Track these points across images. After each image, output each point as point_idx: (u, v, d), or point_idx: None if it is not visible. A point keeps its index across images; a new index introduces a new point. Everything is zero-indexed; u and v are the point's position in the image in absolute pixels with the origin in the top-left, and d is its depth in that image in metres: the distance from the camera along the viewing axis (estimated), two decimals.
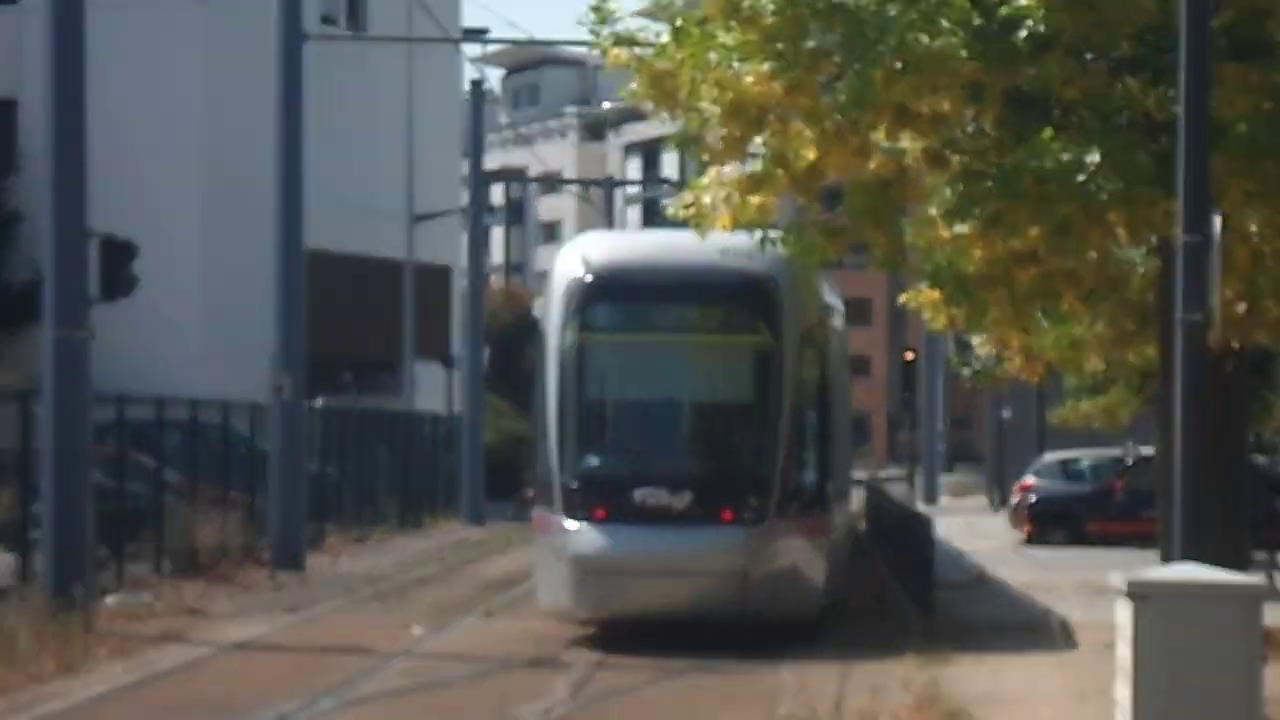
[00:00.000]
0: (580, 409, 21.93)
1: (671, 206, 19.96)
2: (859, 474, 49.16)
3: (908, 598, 26.35)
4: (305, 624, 23.98)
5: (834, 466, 23.57)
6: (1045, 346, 22.51)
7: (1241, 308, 18.82)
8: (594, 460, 21.87)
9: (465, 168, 52.57)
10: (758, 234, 19.68)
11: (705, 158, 18.51)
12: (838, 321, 26.57)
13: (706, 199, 18.68)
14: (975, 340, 24.50)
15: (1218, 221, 15.97)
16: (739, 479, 21.59)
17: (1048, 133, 17.91)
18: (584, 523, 21.39)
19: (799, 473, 22.01)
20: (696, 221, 19.17)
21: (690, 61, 17.92)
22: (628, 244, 25.42)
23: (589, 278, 22.05)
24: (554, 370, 21.96)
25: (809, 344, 22.63)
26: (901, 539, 30.18)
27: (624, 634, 22.01)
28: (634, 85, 18.54)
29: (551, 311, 22.27)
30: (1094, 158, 17.60)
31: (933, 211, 18.66)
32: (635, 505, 21.25)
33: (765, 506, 21.40)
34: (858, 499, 36.52)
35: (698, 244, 21.11)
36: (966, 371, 26.81)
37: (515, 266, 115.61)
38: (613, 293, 22.17)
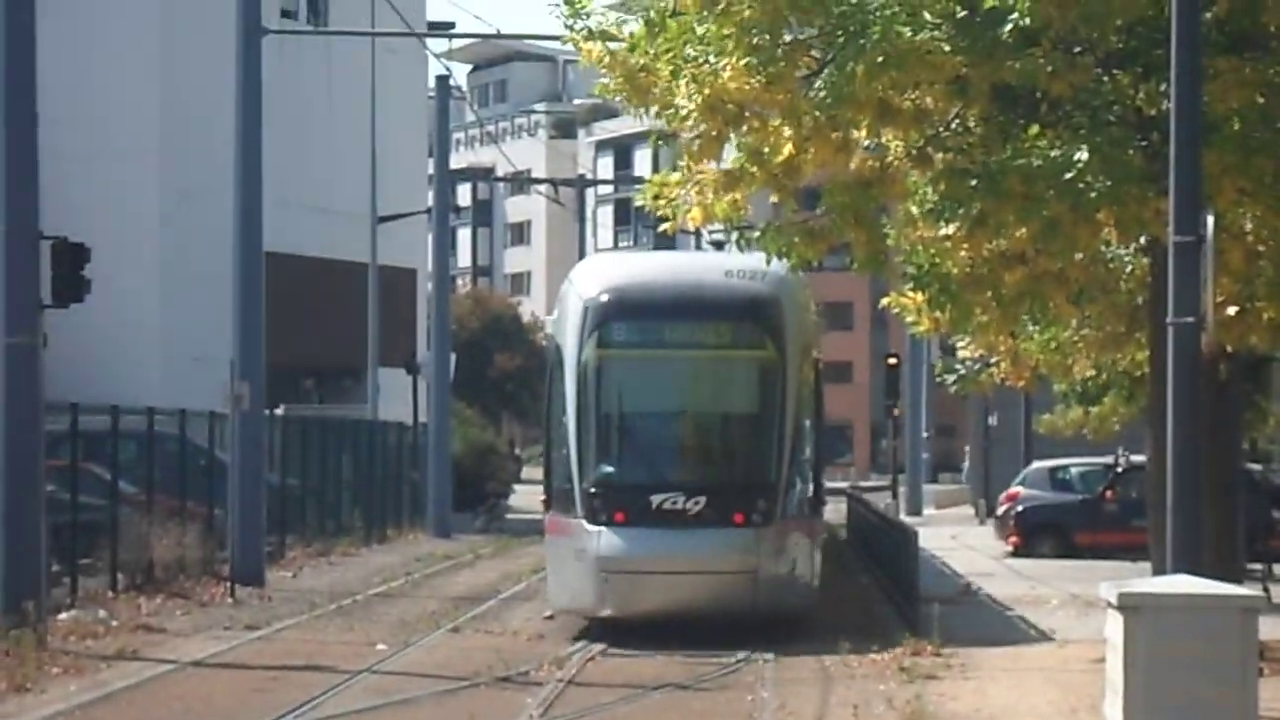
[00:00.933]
0: (600, 420, 23.71)
1: (638, 198, 19.79)
2: (840, 484, 48.69)
3: (891, 612, 25.96)
4: (266, 641, 23.54)
5: (822, 470, 25.44)
6: (1033, 350, 22.16)
7: (1234, 310, 18.37)
8: (614, 468, 23.55)
9: (430, 167, 51.88)
10: (734, 234, 19.37)
11: (684, 158, 17.96)
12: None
13: (680, 193, 18.19)
14: (959, 344, 24.19)
15: (1210, 220, 15.69)
16: (748, 484, 23.37)
17: (1034, 129, 17.62)
18: (606, 526, 23.02)
19: (798, 477, 23.82)
20: (666, 215, 18.81)
21: (666, 57, 17.41)
22: (640, 264, 27.23)
23: (606, 297, 23.85)
24: (572, 384, 23.64)
25: (806, 357, 24.48)
26: (885, 552, 29.77)
27: (597, 648, 21.88)
28: (606, 80, 17.94)
29: (568, 329, 23.95)
30: (1082, 155, 17.32)
31: (915, 210, 18.18)
32: (654, 509, 23.02)
33: (772, 509, 23.21)
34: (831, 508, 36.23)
35: (705, 264, 23.25)
36: (951, 379, 26.38)
37: (483, 269, 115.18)
38: (630, 311, 23.94)
